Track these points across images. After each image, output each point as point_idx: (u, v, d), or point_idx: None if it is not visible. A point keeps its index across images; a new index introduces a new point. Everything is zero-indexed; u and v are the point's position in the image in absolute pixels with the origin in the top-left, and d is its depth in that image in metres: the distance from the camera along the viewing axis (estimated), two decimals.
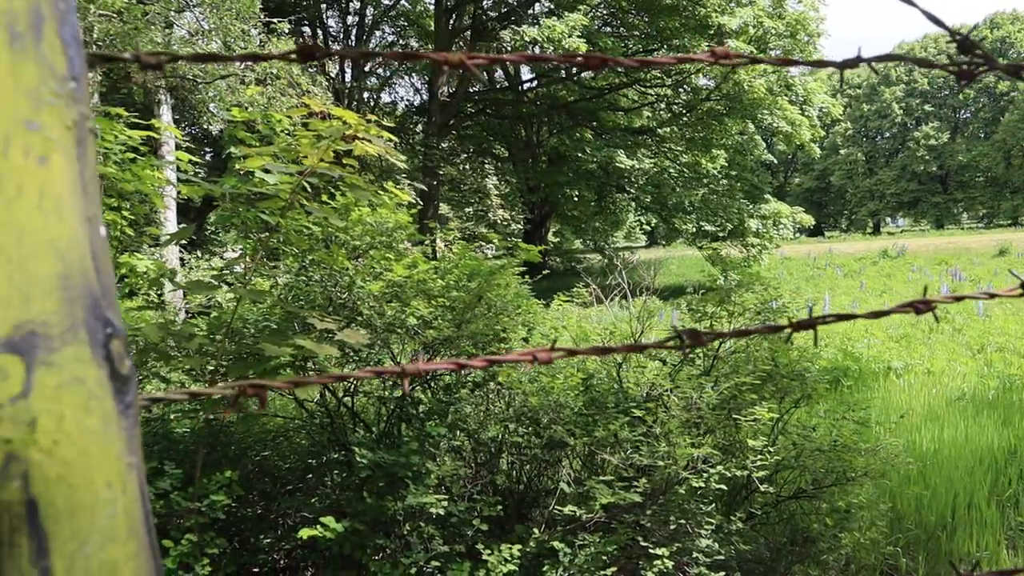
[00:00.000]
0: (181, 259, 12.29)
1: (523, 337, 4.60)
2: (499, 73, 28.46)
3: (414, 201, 4.91)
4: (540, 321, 4.91)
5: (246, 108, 6.11)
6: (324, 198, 4.13)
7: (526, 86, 27.49)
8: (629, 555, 3.88)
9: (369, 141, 3.53)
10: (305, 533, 3.51)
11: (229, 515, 3.69)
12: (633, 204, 28.39)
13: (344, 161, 3.63)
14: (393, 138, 3.79)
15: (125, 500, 0.50)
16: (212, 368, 3.68)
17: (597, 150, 23.83)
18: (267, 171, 3.36)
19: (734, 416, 4.05)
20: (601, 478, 3.83)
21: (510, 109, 26.29)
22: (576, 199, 26.64)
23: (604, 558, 3.62)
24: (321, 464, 4.26)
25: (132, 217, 4.72)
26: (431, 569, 3.74)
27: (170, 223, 11.45)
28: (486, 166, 26.25)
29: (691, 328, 0.63)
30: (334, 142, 3.46)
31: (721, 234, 25.00)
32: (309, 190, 3.55)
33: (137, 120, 4.29)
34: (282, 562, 4.27)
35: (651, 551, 3.65)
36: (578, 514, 3.77)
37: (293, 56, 0.55)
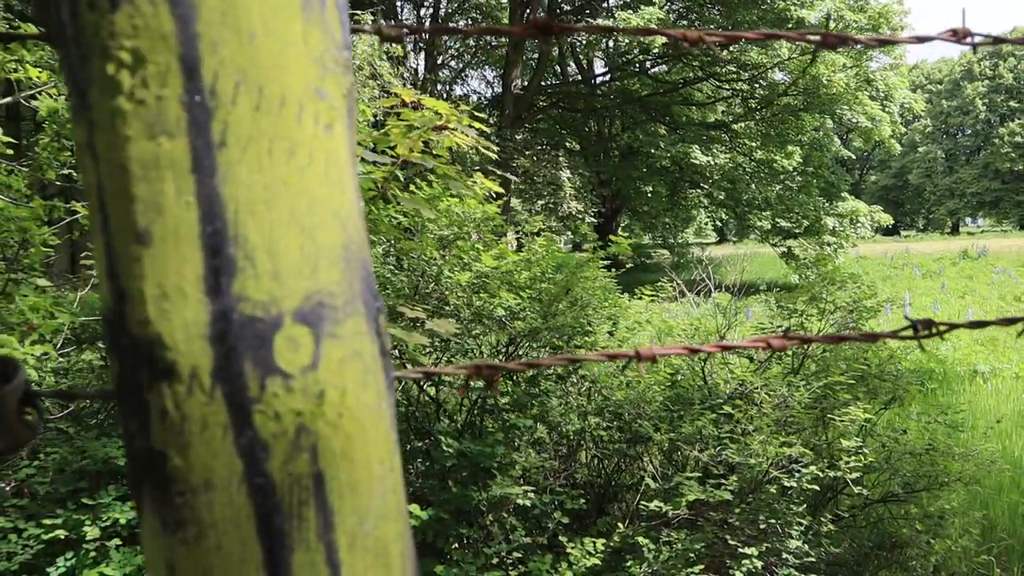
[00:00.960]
0: None
1: (608, 331, 4.57)
2: (572, 66, 28.34)
3: (500, 192, 4.91)
4: (624, 315, 4.87)
5: None
6: (412, 188, 4.14)
7: (599, 80, 27.30)
8: (712, 553, 3.82)
9: (460, 132, 3.53)
10: None
11: None
12: (706, 200, 28.02)
13: (435, 151, 3.63)
14: (485, 128, 3.78)
15: (393, 479, 0.49)
16: None
17: (671, 145, 23.56)
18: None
19: (828, 416, 3.97)
20: (688, 474, 3.78)
21: (583, 103, 26.14)
22: (649, 194, 26.37)
23: (691, 555, 3.57)
24: (403, 452, 4.28)
25: None
26: (512, 560, 3.74)
27: None
28: (560, 159, 26.14)
29: (927, 318, 0.60)
30: (425, 132, 3.47)
31: (796, 231, 24.54)
32: (401, 180, 3.56)
33: None
34: None
35: (740, 550, 3.59)
36: (664, 510, 3.72)
37: (530, 30, 0.54)
